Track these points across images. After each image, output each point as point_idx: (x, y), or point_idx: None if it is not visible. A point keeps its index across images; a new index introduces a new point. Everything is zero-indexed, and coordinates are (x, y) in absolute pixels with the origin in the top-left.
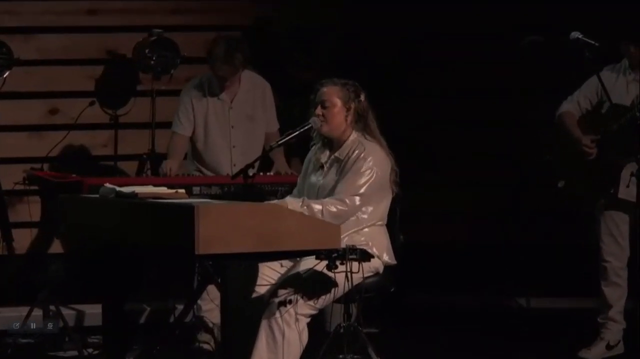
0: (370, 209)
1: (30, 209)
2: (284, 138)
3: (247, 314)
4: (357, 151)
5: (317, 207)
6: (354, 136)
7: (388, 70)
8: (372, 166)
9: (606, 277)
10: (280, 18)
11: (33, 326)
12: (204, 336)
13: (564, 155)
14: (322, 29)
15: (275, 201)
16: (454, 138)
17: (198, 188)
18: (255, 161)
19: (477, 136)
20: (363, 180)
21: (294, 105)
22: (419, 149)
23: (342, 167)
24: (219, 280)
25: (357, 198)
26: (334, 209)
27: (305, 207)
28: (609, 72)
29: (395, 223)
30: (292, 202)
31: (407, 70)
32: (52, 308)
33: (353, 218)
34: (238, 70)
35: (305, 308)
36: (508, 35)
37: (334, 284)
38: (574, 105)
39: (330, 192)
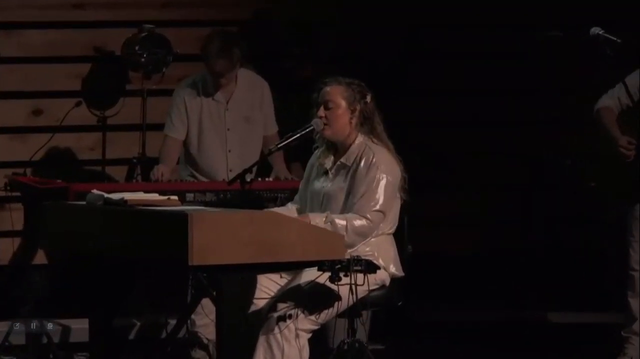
0: None
1: (12, 217)
2: (284, 141)
3: (244, 330)
4: (365, 158)
5: (341, 223)
6: (359, 139)
7: (388, 67)
8: (384, 175)
9: (634, 287)
10: (279, 12)
11: (30, 333)
12: (198, 353)
13: (596, 155)
14: (322, 23)
15: (297, 216)
16: (460, 139)
17: (192, 195)
18: (253, 165)
19: (485, 136)
20: (380, 191)
21: (293, 102)
22: (424, 150)
23: (352, 176)
24: (214, 293)
25: (380, 213)
26: (357, 225)
27: (329, 223)
28: None
29: (403, 232)
30: (315, 218)
31: (408, 67)
32: (35, 322)
33: None
34: (235, 66)
35: (306, 323)
36: (520, 32)
37: (337, 297)
38: (615, 101)
39: (337, 199)
